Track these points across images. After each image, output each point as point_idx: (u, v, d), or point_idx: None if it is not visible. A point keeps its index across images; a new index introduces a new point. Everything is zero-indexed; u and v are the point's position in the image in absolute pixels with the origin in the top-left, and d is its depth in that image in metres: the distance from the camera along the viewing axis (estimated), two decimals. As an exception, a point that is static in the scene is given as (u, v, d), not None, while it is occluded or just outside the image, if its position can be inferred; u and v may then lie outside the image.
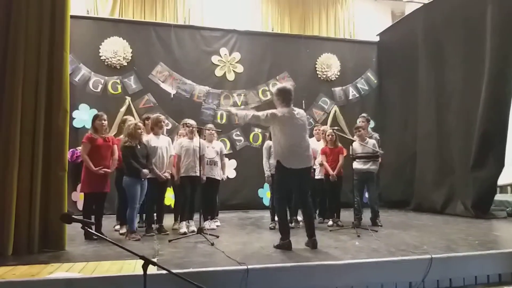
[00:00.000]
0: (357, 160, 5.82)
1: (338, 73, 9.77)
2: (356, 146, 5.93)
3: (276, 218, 5.89)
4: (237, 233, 5.49)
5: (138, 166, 4.88)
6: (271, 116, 4.28)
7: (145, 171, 4.96)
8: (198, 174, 5.38)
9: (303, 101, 8.98)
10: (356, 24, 10.63)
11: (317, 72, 9.66)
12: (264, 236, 5.14)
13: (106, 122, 5.17)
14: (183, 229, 5.33)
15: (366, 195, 6.42)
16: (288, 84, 4.48)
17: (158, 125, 5.47)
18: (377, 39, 10.20)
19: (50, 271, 3.29)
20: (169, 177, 5.49)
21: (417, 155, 8.47)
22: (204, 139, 5.84)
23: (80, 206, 7.33)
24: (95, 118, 5.13)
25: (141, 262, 2.10)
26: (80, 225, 2.21)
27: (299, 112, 4.41)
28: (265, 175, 5.88)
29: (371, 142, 6.06)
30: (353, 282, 3.46)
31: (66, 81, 4.36)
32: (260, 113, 4.36)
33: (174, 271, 2.50)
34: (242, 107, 9.03)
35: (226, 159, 6.58)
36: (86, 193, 5.04)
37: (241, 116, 4.48)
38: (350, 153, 5.88)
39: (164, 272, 2.39)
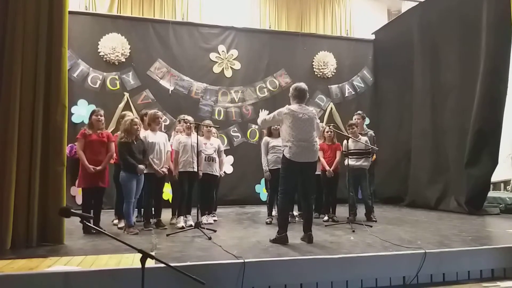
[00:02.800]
0: (350, 156, 5.89)
1: (335, 71, 9.82)
2: (349, 142, 6.00)
3: (273, 213, 5.97)
4: (234, 228, 5.54)
5: (134, 162, 4.91)
6: (278, 115, 4.49)
7: (141, 166, 4.98)
8: (195, 169, 5.42)
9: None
10: (353, 22, 10.69)
11: (314, 70, 9.71)
12: (261, 231, 5.18)
13: (102, 118, 5.18)
14: (181, 223, 5.38)
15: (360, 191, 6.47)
16: (304, 84, 4.59)
17: (156, 121, 5.49)
18: (373, 37, 10.24)
19: (49, 265, 3.29)
20: (167, 172, 5.53)
21: (412, 152, 8.53)
22: (202, 136, 5.88)
23: (78, 200, 7.38)
24: (92, 113, 5.15)
25: (139, 255, 2.11)
26: (78, 219, 2.21)
27: (307, 108, 4.53)
28: (264, 170, 5.93)
29: (363, 139, 6.15)
30: (348, 276, 3.50)
31: (65, 77, 4.36)
32: (267, 116, 4.63)
33: (171, 264, 2.53)
34: (240, 103, 9.10)
35: (223, 155, 6.60)
36: (84, 189, 5.07)
37: (260, 121, 4.77)
38: (344, 149, 5.96)
39: (162, 265, 2.41)
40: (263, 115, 4.75)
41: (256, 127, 9.00)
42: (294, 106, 4.45)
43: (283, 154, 4.39)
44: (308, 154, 4.34)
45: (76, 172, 5.24)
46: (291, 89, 4.61)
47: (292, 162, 4.29)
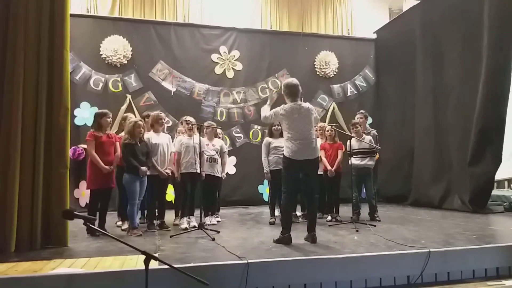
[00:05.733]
0: (354, 156, 5.87)
1: (337, 70, 9.81)
2: (353, 142, 5.99)
3: (276, 213, 5.97)
4: (238, 229, 5.53)
5: (136, 163, 4.91)
6: (274, 115, 4.48)
7: (144, 168, 4.98)
8: (198, 170, 5.43)
9: (302, 98, 8.98)
10: (354, 21, 10.70)
11: (316, 69, 9.70)
12: (264, 231, 5.18)
13: (111, 120, 5.25)
14: (184, 224, 5.39)
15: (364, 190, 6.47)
16: (295, 79, 4.58)
17: (159, 122, 5.51)
18: (375, 36, 10.22)
19: (53, 267, 3.30)
20: (170, 174, 5.53)
21: (415, 151, 8.51)
22: (205, 137, 5.89)
23: (82, 203, 7.40)
24: (103, 115, 5.12)
25: (143, 257, 2.11)
26: (82, 221, 2.21)
27: (304, 105, 4.50)
28: (264, 171, 5.92)
29: (367, 138, 6.13)
30: (352, 276, 3.49)
31: (67, 80, 4.37)
32: (268, 113, 4.54)
33: (175, 265, 2.53)
34: (242, 104, 9.10)
35: (226, 157, 6.59)
36: (93, 190, 5.06)
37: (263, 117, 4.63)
38: (348, 149, 5.95)
39: (166, 267, 2.41)
40: (266, 108, 4.68)
41: (259, 127, 9.00)
42: (289, 106, 4.42)
43: (283, 154, 4.40)
44: (308, 151, 4.33)
45: (80, 174, 5.25)
46: (282, 86, 4.61)
47: (292, 160, 4.29)
